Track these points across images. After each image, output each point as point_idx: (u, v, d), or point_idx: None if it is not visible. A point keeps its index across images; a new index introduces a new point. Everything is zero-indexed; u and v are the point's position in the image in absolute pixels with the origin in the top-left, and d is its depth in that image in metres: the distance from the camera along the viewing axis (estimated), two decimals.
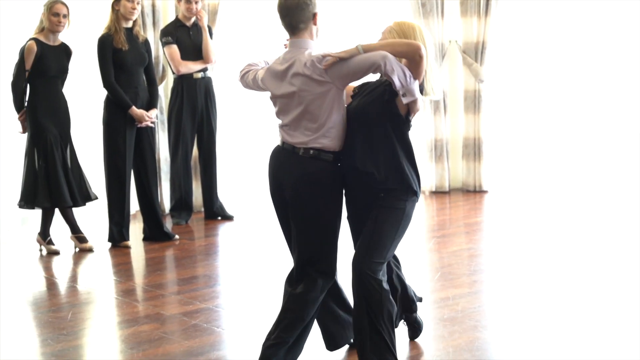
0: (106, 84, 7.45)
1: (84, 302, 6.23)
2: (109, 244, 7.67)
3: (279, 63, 4.30)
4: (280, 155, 4.35)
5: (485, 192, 9.66)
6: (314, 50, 4.22)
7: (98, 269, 7.13)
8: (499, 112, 9.90)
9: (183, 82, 8.35)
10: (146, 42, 7.73)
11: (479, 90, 9.57)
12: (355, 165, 4.24)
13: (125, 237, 7.65)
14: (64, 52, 7.47)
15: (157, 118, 7.89)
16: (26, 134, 7.38)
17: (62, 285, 6.72)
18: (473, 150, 9.69)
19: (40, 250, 7.58)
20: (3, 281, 6.75)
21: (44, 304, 6.21)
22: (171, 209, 8.72)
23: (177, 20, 8.34)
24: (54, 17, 7.23)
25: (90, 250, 7.54)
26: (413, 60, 4.04)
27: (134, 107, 7.47)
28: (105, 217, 7.82)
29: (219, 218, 8.76)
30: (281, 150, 4.35)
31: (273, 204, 4.45)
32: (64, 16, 7.32)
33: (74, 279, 6.96)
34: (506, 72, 9.93)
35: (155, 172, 7.84)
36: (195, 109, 8.41)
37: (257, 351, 4.42)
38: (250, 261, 7.23)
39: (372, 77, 4.42)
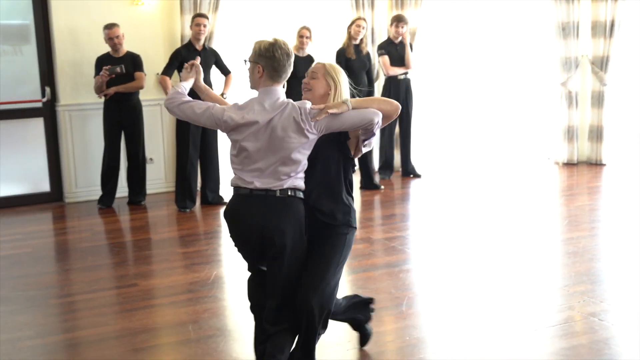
0: None
1: None
2: None
3: (259, 109, 3.29)
4: (253, 200, 3.29)
5: (604, 165, 9.56)
6: (283, 96, 3.35)
7: None
8: (617, 107, 9.76)
9: (391, 82, 8.45)
10: (367, 54, 8.05)
11: (602, 91, 9.55)
12: (308, 202, 3.39)
13: None
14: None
15: None
16: None
17: None
18: (596, 134, 9.68)
19: None
20: None
21: None
22: (379, 168, 8.87)
23: (388, 39, 8.47)
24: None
25: None
26: (390, 117, 3.38)
27: None
28: None
29: (411, 176, 8.78)
30: (251, 196, 3.29)
31: (244, 250, 3.45)
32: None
33: None
34: (625, 79, 9.76)
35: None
36: (398, 100, 8.56)
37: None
38: (434, 207, 7.35)
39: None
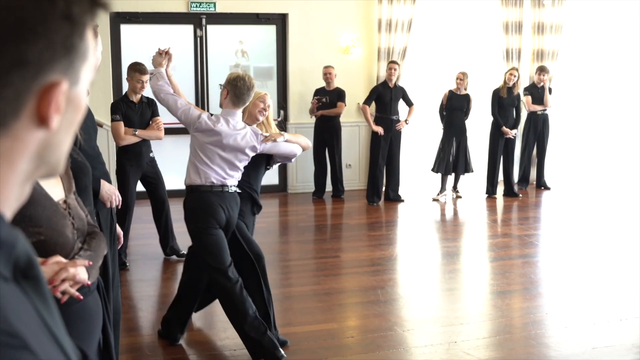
0: (492, 114, 7.59)
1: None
2: None
3: (233, 124, 3.20)
4: (226, 195, 3.19)
5: None
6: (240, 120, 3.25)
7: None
8: None
9: (531, 116, 7.94)
10: (517, 95, 7.60)
11: None
12: (254, 196, 3.45)
13: None
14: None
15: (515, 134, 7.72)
16: None
17: None
18: None
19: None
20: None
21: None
22: (518, 181, 8.23)
23: (532, 83, 8.01)
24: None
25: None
26: (302, 150, 3.41)
27: (503, 127, 7.52)
28: None
29: (543, 188, 8.13)
30: (225, 192, 3.19)
31: (217, 233, 3.18)
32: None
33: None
34: None
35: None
36: (536, 131, 8.02)
37: None
38: (561, 213, 6.99)
39: None
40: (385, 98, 7.28)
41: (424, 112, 8.17)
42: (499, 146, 7.71)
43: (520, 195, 7.83)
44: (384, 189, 7.77)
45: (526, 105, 8.11)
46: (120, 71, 7.28)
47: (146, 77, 4.74)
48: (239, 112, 3.26)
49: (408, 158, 8.24)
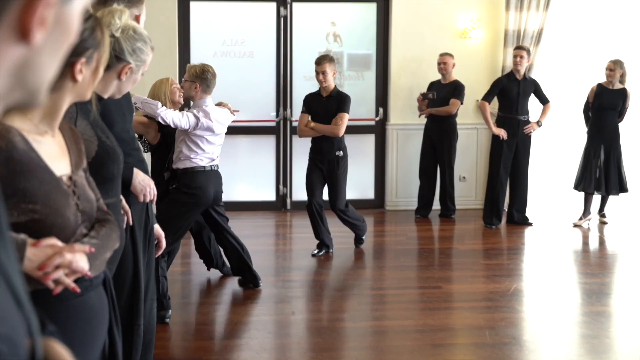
0: None
1: None
2: None
3: (219, 111, 4.49)
4: (218, 175, 4.48)
5: None
6: None
7: None
8: None
9: None
10: None
11: None
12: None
13: None
14: None
15: None
16: None
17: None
18: None
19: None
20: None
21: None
22: None
23: None
24: None
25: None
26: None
27: None
28: None
29: None
30: (216, 172, 4.47)
31: (200, 210, 4.38)
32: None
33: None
34: None
35: None
36: None
37: None
38: None
39: None
40: (511, 93, 6.94)
41: (562, 111, 7.77)
42: None
43: None
44: (506, 208, 7.46)
45: None
46: (188, 55, 7.48)
47: (321, 68, 5.68)
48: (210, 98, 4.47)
49: (539, 170, 7.86)
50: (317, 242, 5.81)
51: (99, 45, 1.74)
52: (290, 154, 7.77)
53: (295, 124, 7.66)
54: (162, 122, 4.25)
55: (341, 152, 5.88)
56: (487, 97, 7.04)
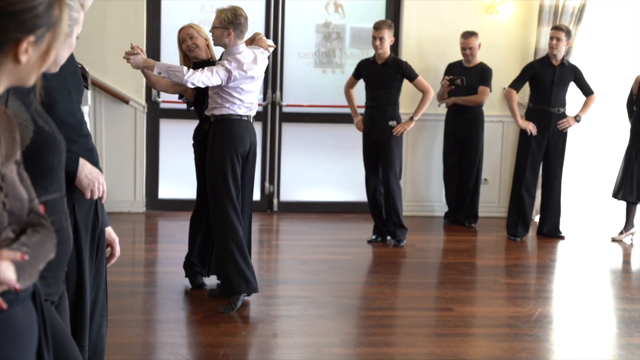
0: None
1: None
2: None
3: (254, 55, 4.77)
4: (253, 127, 4.85)
5: None
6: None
7: None
8: None
9: None
10: None
11: None
12: None
13: None
14: None
15: None
16: None
17: None
18: None
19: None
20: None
21: None
22: None
23: None
24: None
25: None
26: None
27: None
28: None
29: None
30: (249, 122, 4.80)
31: (236, 165, 4.70)
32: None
33: None
34: None
35: None
36: None
37: None
38: None
39: None
40: (545, 81, 6.99)
41: (604, 105, 7.82)
42: None
43: None
44: (535, 217, 7.50)
45: None
46: (158, 24, 7.56)
47: (379, 33, 6.45)
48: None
49: (575, 174, 7.90)
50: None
51: (54, 24, 1.72)
52: (279, 145, 7.82)
53: (286, 109, 7.71)
54: (192, 87, 4.69)
55: (395, 121, 6.60)
56: (516, 85, 7.09)
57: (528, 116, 7.09)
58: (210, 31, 4.86)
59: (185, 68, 4.62)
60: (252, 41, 4.93)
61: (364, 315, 4.91)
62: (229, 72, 4.61)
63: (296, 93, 7.82)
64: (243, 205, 4.86)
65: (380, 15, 7.85)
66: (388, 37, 6.52)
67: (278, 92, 7.76)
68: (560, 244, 7.02)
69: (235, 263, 4.68)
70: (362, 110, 6.84)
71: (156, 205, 7.69)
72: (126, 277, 5.31)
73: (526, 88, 7.23)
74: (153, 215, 7.53)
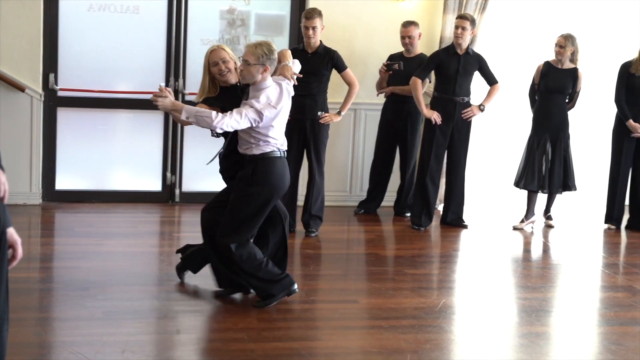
0: (616, 100, 7.43)
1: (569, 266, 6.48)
2: None
3: (282, 88, 4.73)
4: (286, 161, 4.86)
5: None
6: None
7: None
8: None
9: None
10: None
11: None
12: None
13: None
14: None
15: None
16: None
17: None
18: None
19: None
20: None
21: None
22: None
23: None
24: None
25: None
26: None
27: (630, 120, 7.35)
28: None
29: None
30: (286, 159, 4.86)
31: (272, 202, 4.74)
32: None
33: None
34: None
35: None
36: None
37: None
38: None
39: None
40: (449, 70, 7.13)
41: (508, 95, 8.02)
42: (625, 151, 7.50)
43: None
44: (438, 207, 7.64)
45: None
46: (55, 8, 7.33)
47: (312, 23, 6.54)
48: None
49: (477, 164, 8.09)
50: None
51: None
52: (182, 135, 7.74)
53: (188, 97, 7.62)
54: (221, 132, 4.65)
55: (323, 111, 6.74)
56: (421, 74, 7.18)
57: (433, 105, 7.21)
58: (240, 67, 4.69)
59: (213, 113, 4.51)
60: (275, 70, 4.82)
61: (269, 309, 4.88)
62: (259, 114, 4.55)
63: (199, 81, 7.68)
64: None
65: (286, 2, 7.85)
66: (319, 25, 6.59)
67: (181, 80, 7.66)
68: (464, 233, 7.19)
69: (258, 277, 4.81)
70: None
71: (53, 197, 7.50)
72: (22, 273, 5.15)
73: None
74: (50, 207, 7.34)
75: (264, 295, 4.84)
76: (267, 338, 4.39)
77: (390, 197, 7.87)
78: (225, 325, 4.55)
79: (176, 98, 7.59)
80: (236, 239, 4.69)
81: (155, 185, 7.79)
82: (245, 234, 4.72)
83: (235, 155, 4.82)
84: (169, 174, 7.73)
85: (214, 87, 4.87)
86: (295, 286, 4.91)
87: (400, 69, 7.24)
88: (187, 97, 7.66)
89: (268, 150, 4.68)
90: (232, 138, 4.81)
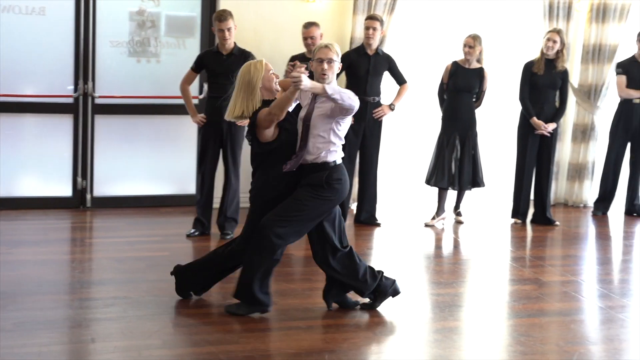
0: (520, 98, 7.63)
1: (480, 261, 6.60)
2: None
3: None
4: None
5: None
6: None
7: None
8: None
9: (623, 106, 8.22)
10: (563, 72, 7.57)
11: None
12: None
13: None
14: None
15: (554, 131, 7.64)
16: None
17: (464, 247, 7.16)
18: None
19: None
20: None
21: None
22: (595, 201, 8.54)
23: (632, 57, 8.22)
24: None
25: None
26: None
27: (534, 118, 7.54)
28: None
29: (635, 215, 8.36)
30: None
31: (333, 210, 4.75)
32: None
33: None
34: None
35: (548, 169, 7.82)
36: (631, 128, 8.22)
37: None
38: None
39: None
40: (359, 70, 7.19)
41: (417, 94, 8.13)
42: (530, 148, 7.70)
43: (558, 223, 7.87)
44: (352, 205, 7.70)
45: (618, 89, 8.26)
46: None
47: (227, 24, 6.45)
48: None
49: (389, 162, 8.17)
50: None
51: None
52: (92, 139, 7.59)
53: (99, 100, 7.48)
54: (353, 111, 4.58)
55: None
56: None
57: None
58: (325, 68, 4.66)
59: (351, 92, 4.55)
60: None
61: (186, 314, 4.84)
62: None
63: (109, 84, 7.61)
64: None
65: (197, 3, 7.78)
66: (233, 26, 6.55)
67: (90, 83, 7.51)
68: (377, 231, 7.25)
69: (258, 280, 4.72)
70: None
71: None
72: None
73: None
74: None
75: (243, 297, 4.76)
76: (185, 343, 4.35)
77: None
78: (140, 331, 4.47)
79: (85, 101, 7.50)
80: (284, 236, 4.64)
81: (66, 191, 7.61)
82: (296, 235, 4.71)
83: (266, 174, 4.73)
84: (79, 179, 7.57)
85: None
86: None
87: (308, 72, 7.26)
88: (98, 101, 7.52)
89: (340, 156, 4.73)
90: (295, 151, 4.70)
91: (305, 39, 7.40)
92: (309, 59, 7.39)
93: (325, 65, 4.63)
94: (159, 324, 4.59)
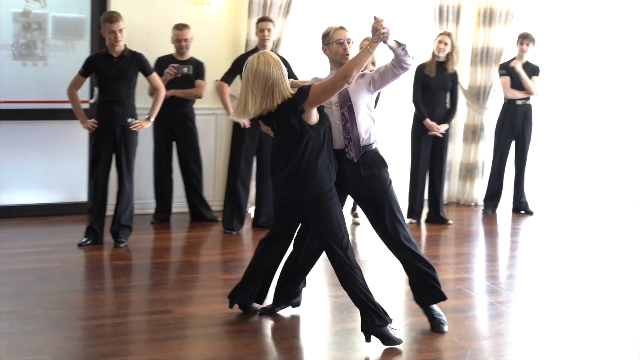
0: (413, 100, 7.75)
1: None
2: None
3: None
4: None
5: None
6: None
7: None
8: None
9: (507, 106, 8.47)
10: (453, 74, 7.72)
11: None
12: None
13: None
14: None
15: (446, 132, 7.78)
16: None
17: None
18: None
19: None
20: None
21: None
22: (484, 199, 8.79)
23: (514, 59, 8.42)
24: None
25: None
26: None
27: (427, 119, 7.68)
28: None
29: (522, 212, 8.65)
30: None
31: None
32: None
33: None
34: None
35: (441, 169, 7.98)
36: (514, 127, 8.48)
37: None
38: (524, 247, 7.29)
39: None
40: None
41: None
42: (424, 149, 7.80)
43: (451, 221, 8.02)
44: (250, 209, 7.65)
45: (503, 90, 8.49)
46: None
47: (117, 26, 6.27)
48: None
49: None
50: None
51: None
52: None
53: None
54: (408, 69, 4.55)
55: (133, 118, 6.54)
56: (227, 78, 7.15)
57: None
58: (347, 47, 4.64)
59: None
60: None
61: (78, 326, 4.68)
62: None
63: None
64: None
65: (86, 5, 7.55)
66: (124, 27, 6.38)
67: None
68: None
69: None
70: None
71: None
72: None
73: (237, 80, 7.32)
74: None
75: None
76: (77, 357, 4.18)
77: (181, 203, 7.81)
78: (29, 347, 4.28)
79: None
80: (405, 226, 4.85)
81: None
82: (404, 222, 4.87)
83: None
84: None
85: None
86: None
87: (189, 73, 7.20)
88: None
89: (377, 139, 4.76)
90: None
91: (178, 40, 7.29)
92: (177, 60, 7.31)
93: (347, 46, 4.66)
94: (49, 338, 4.41)
